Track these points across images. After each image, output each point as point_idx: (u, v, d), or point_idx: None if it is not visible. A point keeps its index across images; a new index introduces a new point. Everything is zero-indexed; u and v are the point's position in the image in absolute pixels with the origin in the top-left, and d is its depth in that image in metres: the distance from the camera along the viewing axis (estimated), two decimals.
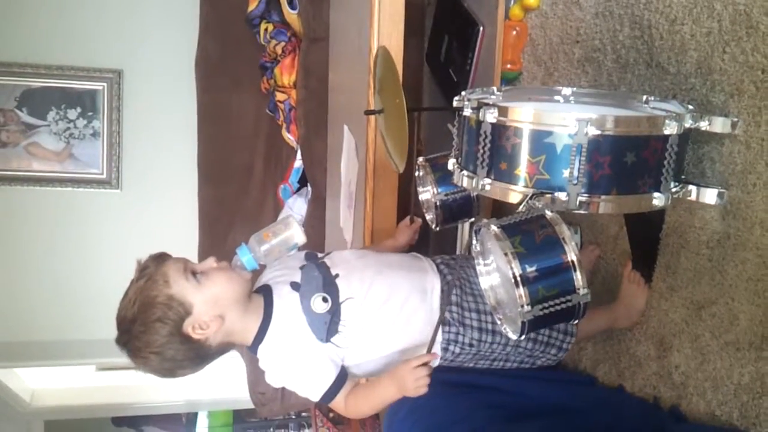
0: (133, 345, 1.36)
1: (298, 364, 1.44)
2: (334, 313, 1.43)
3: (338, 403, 1.46)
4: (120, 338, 1.38)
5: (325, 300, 1.43)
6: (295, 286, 1.46)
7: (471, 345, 1.53)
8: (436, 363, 1.41)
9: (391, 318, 1.49)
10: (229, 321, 1.39)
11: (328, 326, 1.42)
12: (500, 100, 1.34)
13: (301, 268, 1.50)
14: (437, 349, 1.51)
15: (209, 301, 1.36)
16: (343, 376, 1.45)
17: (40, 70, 3.50)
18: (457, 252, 2.31)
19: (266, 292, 1.48)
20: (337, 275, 1.49)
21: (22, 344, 3.74)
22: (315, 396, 1.45)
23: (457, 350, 1.53)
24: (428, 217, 1.74)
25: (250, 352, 1.47)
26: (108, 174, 3.64)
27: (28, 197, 3.61)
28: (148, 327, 1.33)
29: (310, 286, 1.45)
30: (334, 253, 1.60)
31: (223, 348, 1.43)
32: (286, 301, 1.45)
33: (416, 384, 1.35)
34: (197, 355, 1.40)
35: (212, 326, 1.37)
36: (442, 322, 1.48)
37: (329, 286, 1.46)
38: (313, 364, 1.44)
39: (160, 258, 1.39)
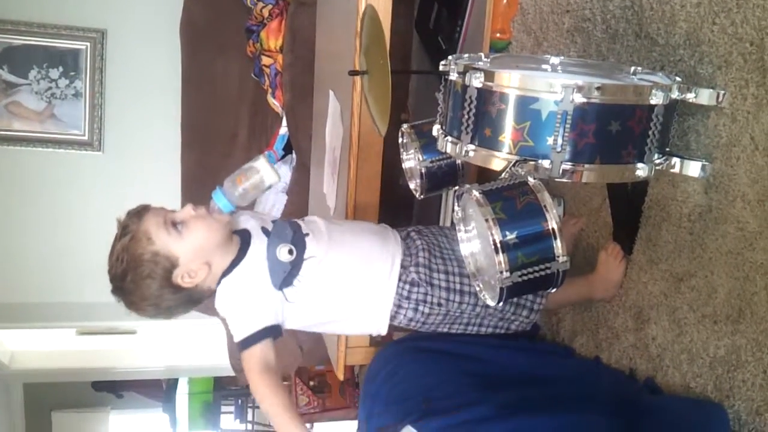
0: (128, 299, 1.42)
1: (243, 299, 1.48)
2: (295, 266, 1.48)
3: (252, 357, 1.43)
4: (115, 292, 1.43)
5: (290, 252, 1.47)
6: (265, 231, 1.51)
7: (440, 304, 1.56)
8: None
9: (346, 286, 1.54)
10: (215, 265, 1.45)
11: (285, 276, 1.47)
12: (487, 66, 1.32)
13: (274, 221, 1.56)
14: (409, 310, 1.56)
15: (193, 251, 1.41)
16: (273, 330, 1.47)
17: (21, 27, 3.42)
18: (441, 221, 2.30)
19: (244, 236, 1.51)
20: (307, 234, 1.53)
21: (1, 306, 3.70)
22: (239, 335, 1.45)
23: (426, 310, 1.56)
24: (412, 185, 1.73)
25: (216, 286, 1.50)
26: (90, 136, 3.58)
27: (8, 157, 3.55)
28: (139, 284, 1.39)
29: (279, 236, 1.50)
30: (310, 217, 1.64)
31: (215, 289, 1.48)
32: (254, 244, 1.49)
33: None
34: (191, 299, 1.46)
35: (200, 273, 1.43)
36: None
37: (298, 241, 1.50)
38: (255, 304, 1.47)
39: (140, 214, 1.42)
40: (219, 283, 1.48)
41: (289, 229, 1.53)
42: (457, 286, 1.56)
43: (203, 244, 1.42)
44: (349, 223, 1.69)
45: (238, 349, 1.47)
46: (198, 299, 1.48)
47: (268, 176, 1.48)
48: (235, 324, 1.48)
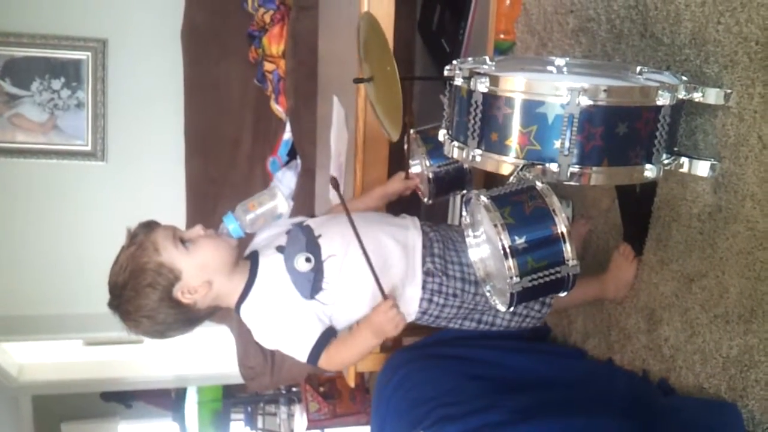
0: (124, 308, 1.41)
1: (284, 322, 1.47)
2: (318, 271, 1.46)
3: (328, 361, 1.48)
4: (112, 302, 1.43)
5: (308, 260, 1.46)
6: (280, 249, 1.50)
7: (455, 295, 1.55)
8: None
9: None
10: (216, 285, 1.44)
11: (312, 284, 1.46)
12: (492, 70, 1.32)
13: (287, 232, 1.54)
14: (423, 300, 1.55)
15: (197, 267, 1.42)
16: (328, 333, 1.47)
17: (23, 39, 3.43)
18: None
19: (254, 256, 1.52)
20: (319, 236, 1.52)
21: (8, 318, 3.71)
22: (302, 354, 1.47)
23: (441, 301, 1.55)
24: (419, 190, 1.72)
25: (235, 312, 1.51)
26: (93, 146, 3.59)
27: (12, 169, 3.56)
28: (139, 292, 1.39)
29: (294, 247, 1.49)
30: (320, 216, 1.64)
31: (211, 311, 1.49)
32: (270, 261, 1.49)
33: (393, 324, 1.42)
34: (187, 318, 1.45)
35: (201, 291, 1.42)
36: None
37: (312, 245, 1.49)
38: (298, 321, 1.46)
39: (150, 226, 1.43)
40: (237, 310, 1.48)
41: (301, 235, 1.51)
42: (472, 278, 1.54)
43: (208, 262, 1.43)
44: (363, 214, 1.66)
45: (311, 365, 1.47)
46: (193, 319, 1.47)
47: (281, 204, 1.53)
48: (291, 350, 1.49)
